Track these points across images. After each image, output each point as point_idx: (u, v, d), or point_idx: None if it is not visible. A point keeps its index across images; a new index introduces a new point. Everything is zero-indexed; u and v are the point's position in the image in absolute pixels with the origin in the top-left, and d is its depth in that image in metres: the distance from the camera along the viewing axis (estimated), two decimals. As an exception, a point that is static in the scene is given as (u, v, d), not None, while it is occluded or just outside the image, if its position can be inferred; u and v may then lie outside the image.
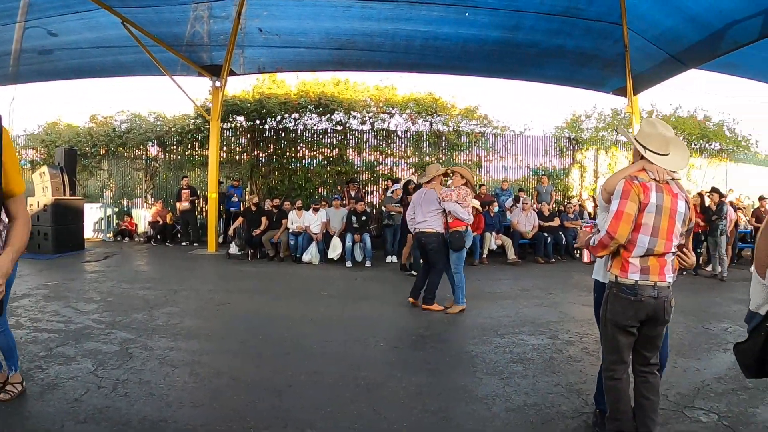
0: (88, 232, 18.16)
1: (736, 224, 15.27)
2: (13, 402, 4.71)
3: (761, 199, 16.02)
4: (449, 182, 9.42)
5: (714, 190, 14.02)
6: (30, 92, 51.95)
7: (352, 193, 16.73)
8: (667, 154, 4.06)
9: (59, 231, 14.88)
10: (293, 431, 4.37)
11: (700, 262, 14.27)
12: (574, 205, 17.49)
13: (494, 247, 15.50)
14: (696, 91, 48.03)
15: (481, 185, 18.23)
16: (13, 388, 4.82)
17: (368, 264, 14.05)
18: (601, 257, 4.15)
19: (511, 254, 15.24)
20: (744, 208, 17.62)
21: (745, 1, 11.39)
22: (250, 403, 4.88)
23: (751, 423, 4.77)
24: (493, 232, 15.49)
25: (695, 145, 21.98)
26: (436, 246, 9.04)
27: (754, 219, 15.64)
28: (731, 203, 15.59)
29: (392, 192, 15.11)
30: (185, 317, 8.04)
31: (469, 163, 20.34)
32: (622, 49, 14.31)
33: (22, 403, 4.63)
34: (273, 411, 4.72)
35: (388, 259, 14.85)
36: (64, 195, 15.47)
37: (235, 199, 18.06)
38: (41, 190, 15.21)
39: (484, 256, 15.16)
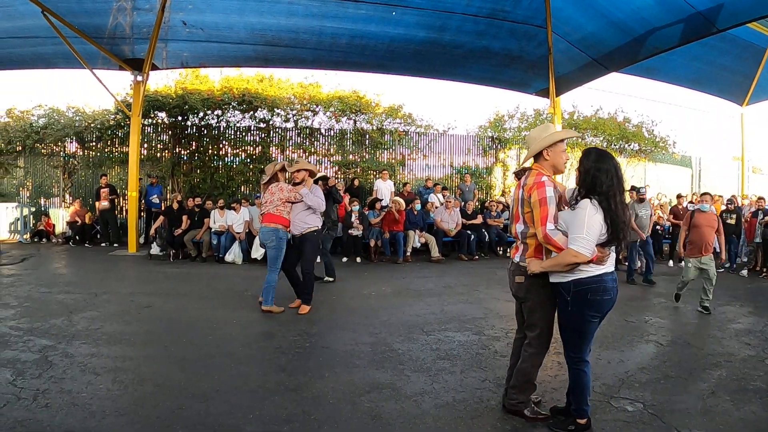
0: (4, 233, 17.75)
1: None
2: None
3: (679, 197, 16.46)
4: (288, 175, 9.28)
5: (633, 188, 14.37)
6: (-60, 84, 50.17)
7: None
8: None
9: (-28, 232, 14.38)
10: (221, 437, 4.28)
11: (620, 257, 14.64)
12: (498, 203, 17.69)
13: (418, 245, 15.62)
14: (617, 93, 49.13)
15: (405, 184, 18.35)
16: None
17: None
18: None
19: (435, 252, 15.32)
20: (662, 205, 18.09)
21: (665, 9, 11.72)
22: (176, 409, 4.76)
23: (675, 411, 4.91)
24: (417, 230, 15.57)
25: (615, 145, 22.56)
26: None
27: (672, 216, 16.05)
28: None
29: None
30: (106, 322, 7.80)
31: (393, 161, 20.45)
32: (546, 52, 14.63)
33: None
34: (200, 417, 4.62)
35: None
36: (-22, 194, 14.97)
37: (155, 199, 17.68)
38: (-47, 189, 14.70)
39: (408, 254, 15.20)
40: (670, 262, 15.45)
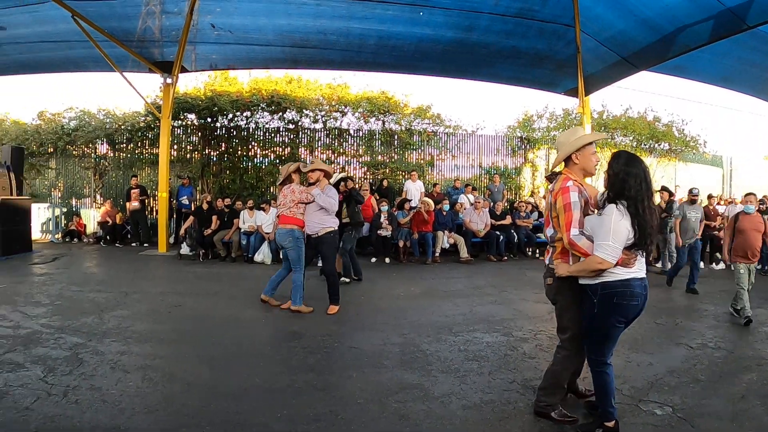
0: (36, 233, 17.88)
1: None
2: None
3: (709, 197, 16.26)
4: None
5: (664, 188, 14.18)
6: (-26, 87, 51.07)
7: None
8: None
9: (5, 232, 14.60)
10: (249, 436, 4.31)
11: (650, 258, 14.43)
12: (527, 204, 17.59)
13: (447, 245, 15.53)
14: (647, 92, 48.80)
15: (434, 184, 18.31)
16: None
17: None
18: None
19: (464, 252, 15.24)
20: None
21: (694, 6, 11.60)
22: (204, 407, 4.80)
23: (704, 414, 4.85)
24: (446, 231, 15.50)
25: (644, 145, 22.37)
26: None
27: (703, 216, 15.88)
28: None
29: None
30: (137, 320, 7.90)
31: (422, 161, 20.44)
32: (575, 51, 14.52)
33: (-31, 412, 4.49)
34: (228, 415, 4.66)
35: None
36: (11, 195, 15.20)
37: (186, 200, 17.82)
38: (-15, 190, 14.94)
39: (437, 254, 15.14)
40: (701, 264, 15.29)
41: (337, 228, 8.93)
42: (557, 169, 4.81)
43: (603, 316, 4.24)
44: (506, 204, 18.23)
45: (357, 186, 15.69)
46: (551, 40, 14.83)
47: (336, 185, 11.66)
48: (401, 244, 14.93)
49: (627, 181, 4.11)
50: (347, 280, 11.37)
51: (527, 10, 13.35)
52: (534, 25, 13.99)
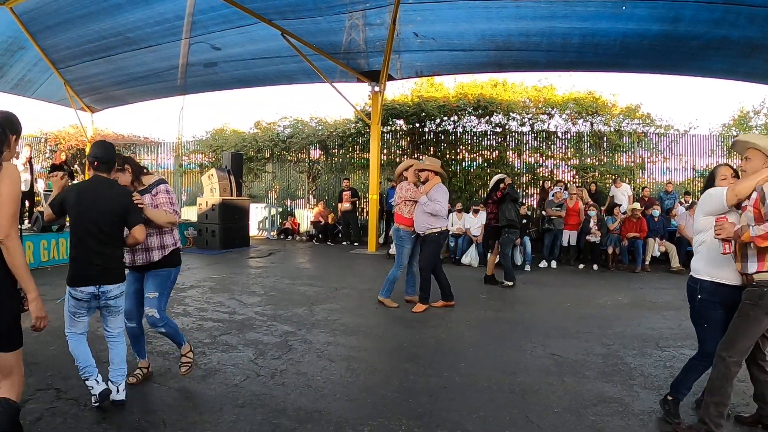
0: (253, 230, 19.37)
1: None
2: (178, 383, 5.11)
3: None
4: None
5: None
6: (198, 101, 55.38)
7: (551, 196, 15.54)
8: None
9: (226, 228, 15.95)
10: (444, 432, 4.40)
11: None
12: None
13: (657, 253, 14.76)
14: None
15: (643, 188, 17.61)
16: (187, 359, 5.17)
17: (527, 268, 13.74)
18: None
19: (675, 262, 14.40)
20: None
21: None
22: (403, 401, 4.95)
23: None
24: (657, 238, 14.74)
25: None
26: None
27: None
28: None
29: (553, 195, 14.82)
30: (344, 314, 8.29)
31: (632, 164, 19.61)
32: (791, 37, 13.40)
33: (186, 384, 4.93)
34: (425, 410, 4.76)
35: (543, 263, 14.46)
36: (231, 195, 16.46)
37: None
38: (209, 191, 16.22)
39: (647, 263, 14.43)
40: None
41: (445, 228, 8.96)
42: None
43: None
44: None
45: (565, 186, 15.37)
46: (764, 27, 13.71)
47: (495, 186, 11.64)
48: (610, 250, 14.45)
49: None
50: (510, 283, 11.18)
51: (736, -5, 12.56)
52: (743, 11, 12.98)
